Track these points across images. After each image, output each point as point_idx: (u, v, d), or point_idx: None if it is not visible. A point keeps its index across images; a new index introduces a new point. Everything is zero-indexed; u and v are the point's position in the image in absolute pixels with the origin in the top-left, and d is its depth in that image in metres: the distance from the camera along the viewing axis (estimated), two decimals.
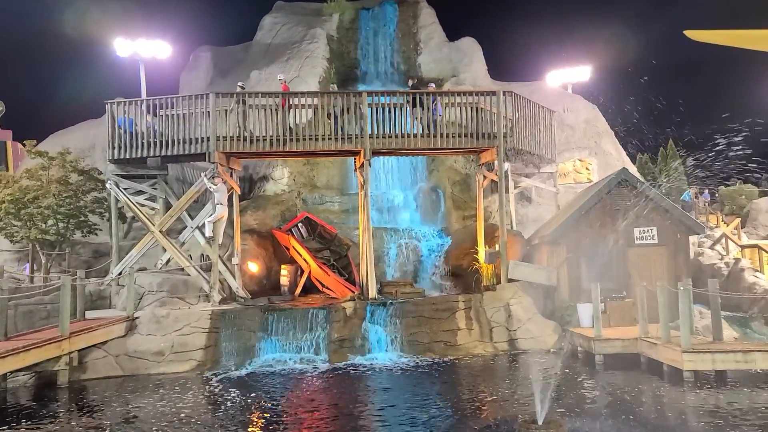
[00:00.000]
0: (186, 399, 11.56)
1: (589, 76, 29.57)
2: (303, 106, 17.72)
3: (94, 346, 13.88)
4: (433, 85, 20.08)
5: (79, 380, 13.27)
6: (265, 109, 17.25)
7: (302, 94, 18.59)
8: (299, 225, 20.53)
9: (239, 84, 18.46)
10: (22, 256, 19.80)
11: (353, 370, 13.85)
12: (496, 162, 17.72)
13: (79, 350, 13.43)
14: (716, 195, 30.47)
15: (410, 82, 19.13)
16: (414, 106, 17.48)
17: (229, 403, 11.09)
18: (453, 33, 28.96)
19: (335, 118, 17.33)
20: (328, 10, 29.25)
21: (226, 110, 17.13)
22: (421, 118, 17.47)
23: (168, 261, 17.38)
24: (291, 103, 17.45)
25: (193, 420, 10.07)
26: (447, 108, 18.05)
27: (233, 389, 12.13)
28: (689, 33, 5.06)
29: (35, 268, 18.72)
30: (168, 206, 18.13)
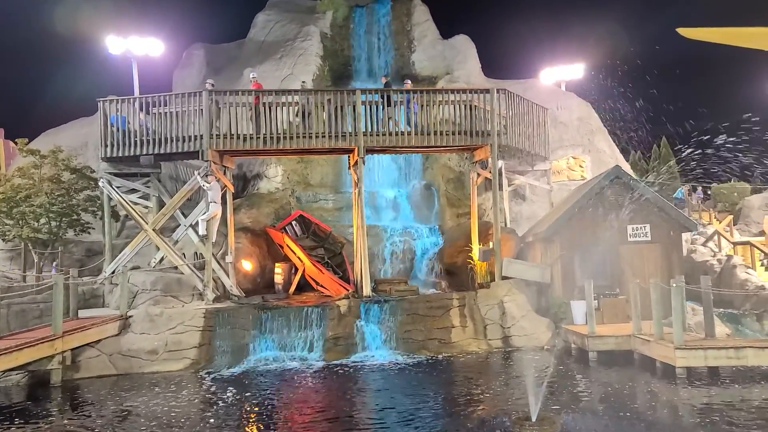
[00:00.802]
0: (180, 398, 11.53)
1: (583, 73, 29.61)
2: (283, 104, 17.39)
3: (87, 344, 13.82)
4: (409, 81, 19.96)
5: (73, 379, 13.22)
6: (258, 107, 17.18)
7: (276, 92, 18.02)
8: (293, 223, 20.49)
9: (209, 82, 18.22)
10: (15, 255, 19.70)
11: (348, 368, 13.86)
12: (489, 160, 17.74)
13: (72, 349, 13.39)
14: (709, 192, 30.62)
15: (383, 80, 19.04)
16: (388, 105, 17.38)
17: (222, 402, 11.07)
18: (447, 31, 29.06)
19: (308, 115, 17.19)
20: (322, 7, 29.21)
21: (220, 108, 17.06)
22: (395, 116, 17.37)
23: (161, 259, 17.32)
24: (266, 101, 17.19)
25: (186, 419, 10.05)
26: (441, 106, 18.04)
27: (227, 388, 12.11)
28: (682, 31, 5.03)
29: (57, 265, 18.56)
30: (161, 204, 18.05)
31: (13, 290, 15.98)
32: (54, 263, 18.66)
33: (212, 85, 17.80)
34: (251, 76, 18.93)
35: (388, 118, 17.40)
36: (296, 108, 17.37)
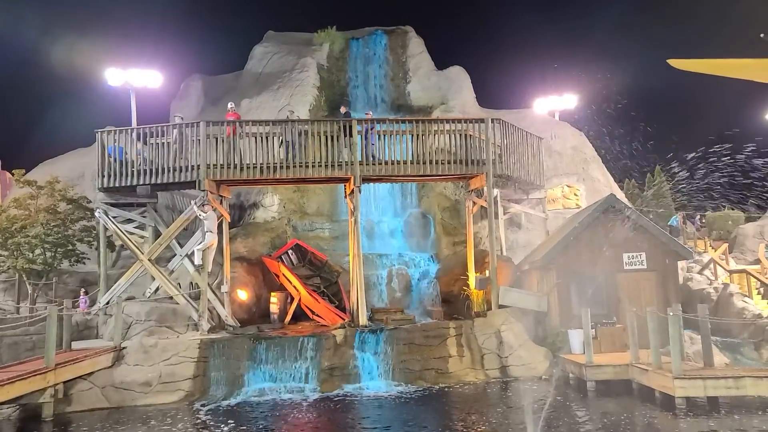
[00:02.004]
0: (174, 431, 11.34)
1: (575, 104, 29.98)
2: (274, 134, 17.40)
3: (79, 377, 13.62)
4: (371, 112, 20.07)
5: (64, 413, 12.98)
6: (256, 137, 17.32)
7: (253, 122, 18.02)
8: (289, 252, 20.44)
9: (177, 116, 18.31)
10: (8, 286, 19.55)
11: (344, 399, 13.69)
12: (485, 188, 17.83)
13: (64, 382, 13.18)
14: (703, 220, 30.73)
15: (343, 110, 19.20)
16: (346, 135, 17.41)
17: None
18: (441, 62, 29.47)
19: (292, 146, 17.27)
20: (319, 39, 29.65)
21: (217, 138, 17.16)
22: (350, 146, 17.28)
23: (156, 290, 17.21)
24: (243, 131, 17.25)
25: None
26: (436, 135, 18.21)
27: (222, 420, 11.94)
28: (673, 62, 5.15)
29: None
30: (157, 234, 18.03)
31: (6, 322, 15.81)
32: (82, 290, 18.42)
33: (181, 118, 17.89)
34: (229, 106, 18.99)
35: (344, 147, 17.38)
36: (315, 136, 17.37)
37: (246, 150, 17.24)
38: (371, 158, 17.31)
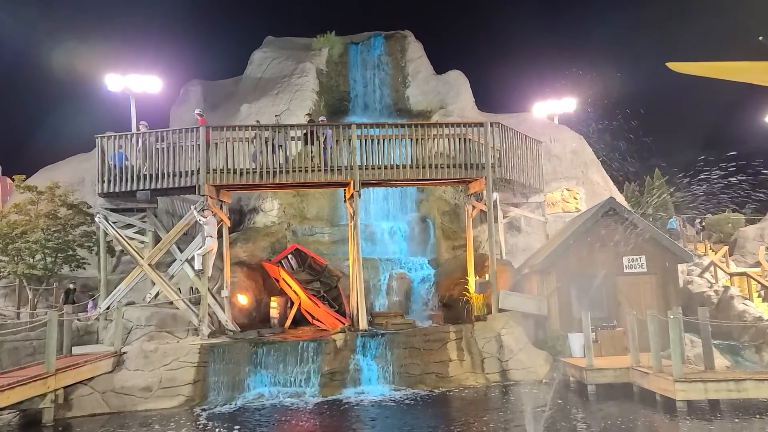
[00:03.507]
0: None
1: (575, 107, 30.00)
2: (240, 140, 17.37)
3: (80, 382, 13.60)
4: (324, 117, 20.12)
5: (65, 418, 12.97)
6: (255, 142, 17.33)
7: (221, 128, 17.72)
8: (289, 256, 20.46)
9: (142, 123, 18.34)
10: (9, 292, 19.55)
11: (344, 403, 13.67)
12: (484, 192, 17.86)
13: (65, 387, 13.17)
14: (703, 223, 30.77)
15: (306, 118, 19.28)
16: (306, 143, 17.44)
17: None
18: (440, 66, 29.58)
19: (279, 149, 17.28)
20: (318, 44, 29.75)
21: (216, 144, 17.19)
22: (312, 151, 17.35)
23: (157, 295, 17.21)
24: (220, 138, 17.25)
25: None
26: (435, 139, 18.24)
27: (222, 425, 11.92)
28: (671, 65, 5.19)
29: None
30: (157, 239, 18.03)
31: (6, 327, 15.81)
32: (91, 298, 18.41)
33: (146, 126, 17.85)
34: (196, 112, 18.93)
35: (309, 153, 17.36)
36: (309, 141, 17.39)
37: (222, 156, 17.10)
38: (327, 162, 17.28)
